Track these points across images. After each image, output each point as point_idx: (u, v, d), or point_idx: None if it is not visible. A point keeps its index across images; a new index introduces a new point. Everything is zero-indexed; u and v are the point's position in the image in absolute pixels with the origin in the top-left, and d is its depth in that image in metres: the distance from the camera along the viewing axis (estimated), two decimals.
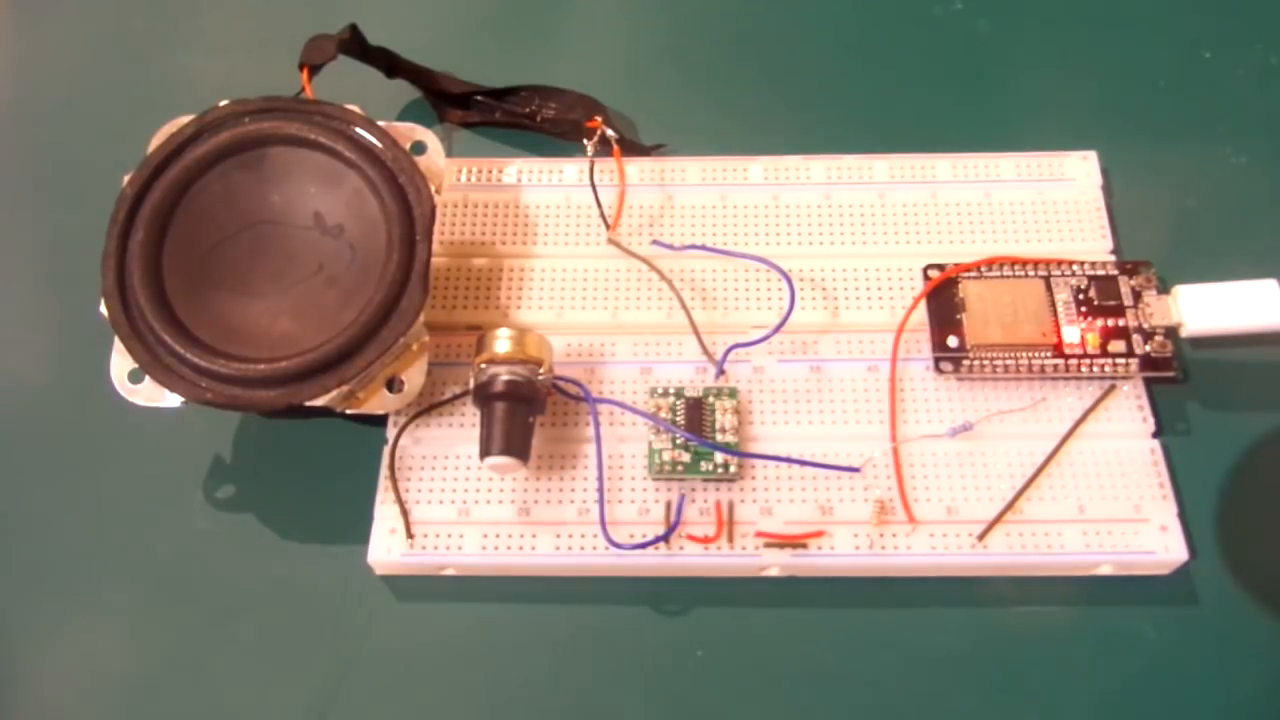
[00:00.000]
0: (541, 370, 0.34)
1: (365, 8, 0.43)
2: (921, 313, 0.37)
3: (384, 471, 0.35)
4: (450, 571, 0.34)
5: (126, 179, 0.35)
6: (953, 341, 0.36)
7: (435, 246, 0.35)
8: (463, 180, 0.40)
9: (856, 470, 0.34)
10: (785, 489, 0.34)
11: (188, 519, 0.36)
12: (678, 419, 0.35)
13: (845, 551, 0.33)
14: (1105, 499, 0.34)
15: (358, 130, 0.35)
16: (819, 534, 0.33)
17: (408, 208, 0.35)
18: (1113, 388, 0.35)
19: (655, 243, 0.38)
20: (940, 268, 0.37)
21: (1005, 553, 0.33)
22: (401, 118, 0.42)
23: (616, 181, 0.39)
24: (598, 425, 0.35)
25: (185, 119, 0.36)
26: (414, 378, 0.34)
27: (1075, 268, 0.37)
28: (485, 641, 0.34)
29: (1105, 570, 0.34)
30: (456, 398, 0.36)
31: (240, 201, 0.35)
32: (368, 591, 0.35)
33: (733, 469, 0.34)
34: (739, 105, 0.43)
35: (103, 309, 0.34)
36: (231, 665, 0.34)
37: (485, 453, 0.33)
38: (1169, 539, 0.33)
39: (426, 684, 0.33)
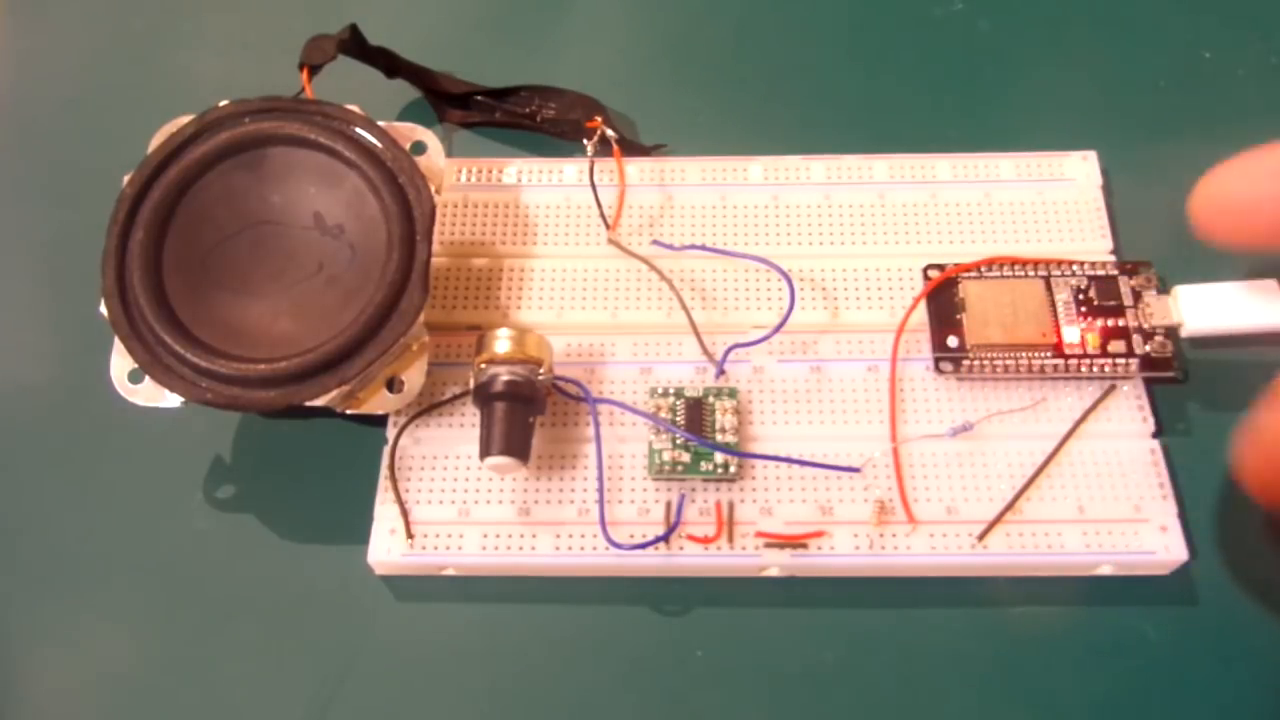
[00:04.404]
0: (541, 370, 0.34)
1: (365, 8, 0.43)
2: (921, 313, 0.36)
3: (384, 471, 0.35)
4: (450, 571, 0.34)
5: (126, 179, 0.35)
6: (953, 341, 0.36)
7: (435, 246, 0.35)
8: (463, 180, 0.40)
9: (856, 470, 0.34)
10: (785, 489, 0.34)
11: (188, 519, 0.36)
12: (678, 419, 0.35)
13: (845, 551, 0.33)
14: (1105, 499, 0.34)
15: (358, 130, 0.35)
16: (819, 534, 0.33)
17: (408, 208, 0.35)
18: (1113, 388, 0.35)
19: (655, 243, 0.38)
20: (940, 268, 0.37)
21: (1005, 553, 0.33)
22: (401, 118, 0.42)
23: (616, 181, 0.39)
24: (598, 425, 0.35)
25: (185, 119, 0.36)
26: (414, 378, 0.34)
27: (1075, 268, 0.37)
28: (485, 641, 0.34)
29: (1105, 570, 0.34)
30: (456, 398, 0.36)
31: (240, 201, 0.35)
32: (368, 591, 0.35)
33: (733, 469, 0.34)
34: (739, 105, 0.43)
35: (103, 309, 0.34)
36: (231, 665, 0.34)
37: (485, 453, 0.33)
38: (1169, 539, 0.33)
39: (426, 684, 0.33)
